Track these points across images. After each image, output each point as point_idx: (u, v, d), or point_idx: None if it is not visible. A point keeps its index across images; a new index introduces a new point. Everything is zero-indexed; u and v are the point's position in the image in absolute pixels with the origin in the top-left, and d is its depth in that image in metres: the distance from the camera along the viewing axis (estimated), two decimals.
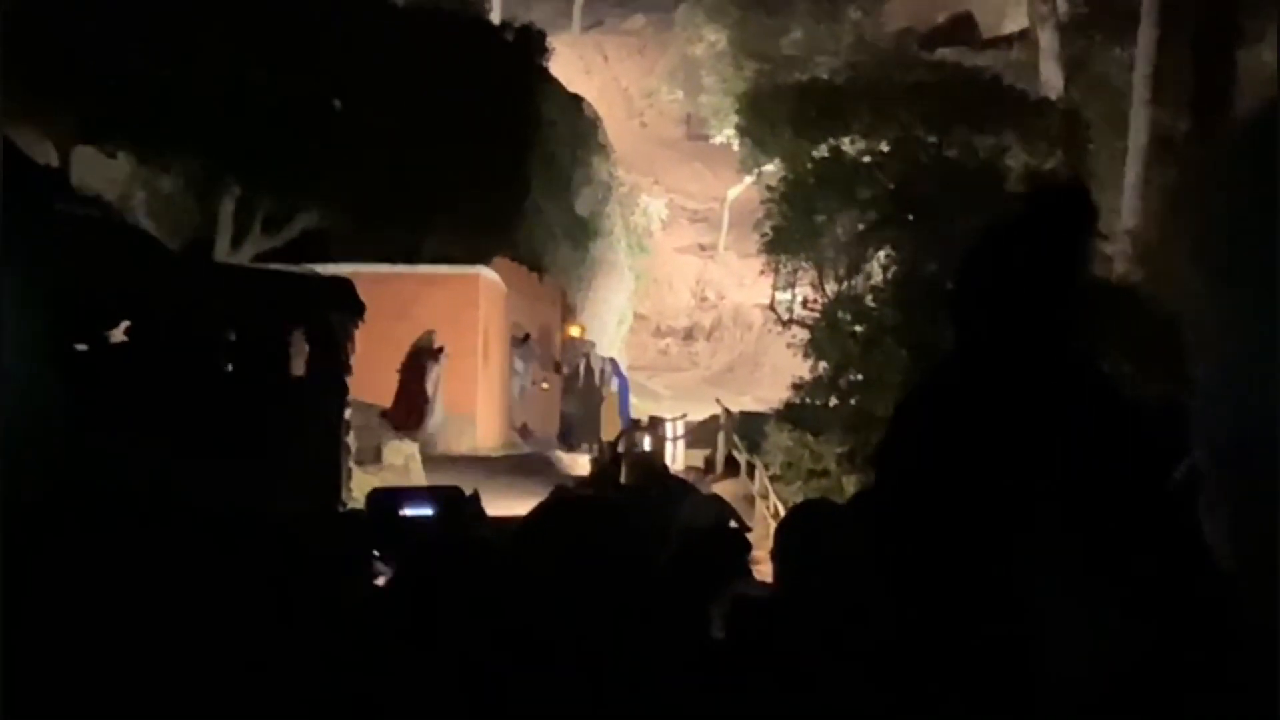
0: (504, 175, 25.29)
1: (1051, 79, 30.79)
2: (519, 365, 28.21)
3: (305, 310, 20.25)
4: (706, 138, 35.99)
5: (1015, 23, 36.71)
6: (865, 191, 25.36)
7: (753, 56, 33.44)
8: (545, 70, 27.24)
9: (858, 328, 24.69)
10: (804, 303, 26.85)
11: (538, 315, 28.15)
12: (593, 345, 29.06)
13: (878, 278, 25.46)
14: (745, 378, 31.40)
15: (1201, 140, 29.50)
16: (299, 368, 20.19)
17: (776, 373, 32.61)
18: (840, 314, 25.38)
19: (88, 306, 19.60)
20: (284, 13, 24.49)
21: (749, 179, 34.47)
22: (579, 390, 28.00)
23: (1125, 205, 28.34)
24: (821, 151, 26.65)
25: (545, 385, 27.83)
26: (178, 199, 26.47)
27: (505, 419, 27.33)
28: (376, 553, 8.32)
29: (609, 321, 30.34)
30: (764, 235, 26.59)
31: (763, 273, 27.69)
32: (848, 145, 27.15)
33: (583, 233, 29.03)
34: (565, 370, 28.04)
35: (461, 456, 25.23)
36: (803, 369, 26.74)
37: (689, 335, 35.29)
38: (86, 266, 19.51)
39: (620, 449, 23.76)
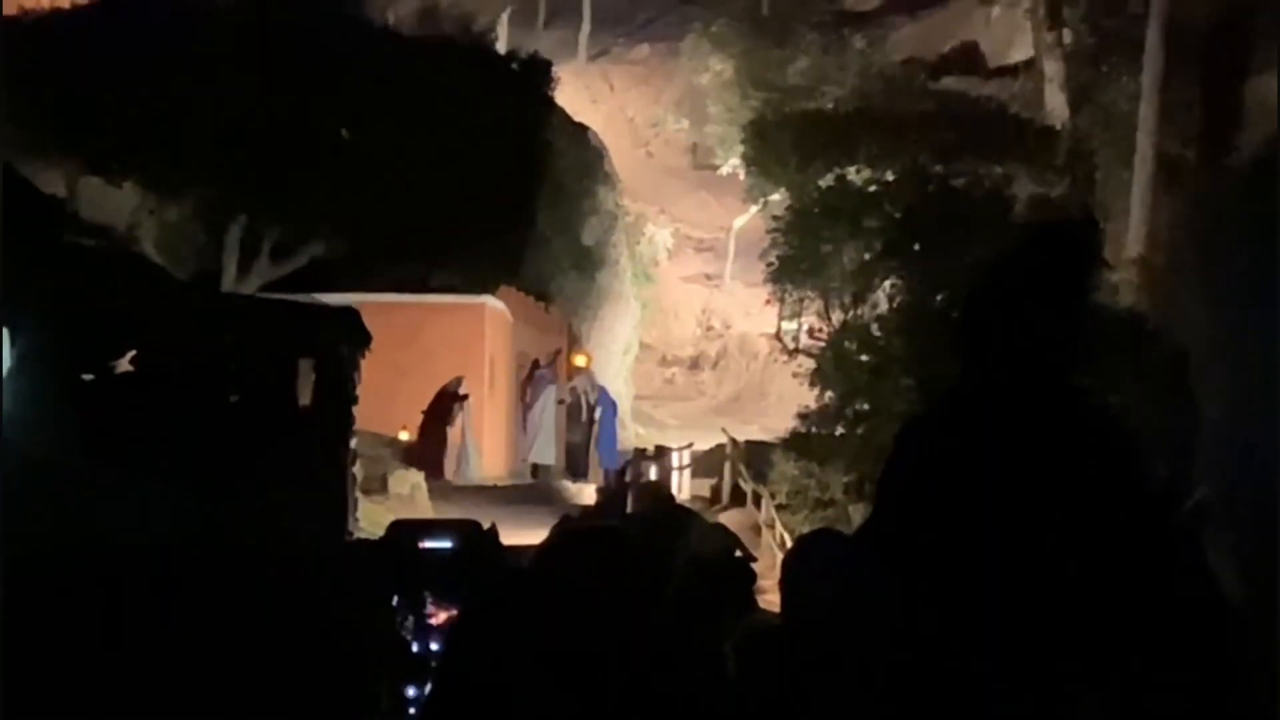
0: (511, 205, 25.49)
1: (1057, 108, 30.98)
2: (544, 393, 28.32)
3: (311, 340, 20.40)
4: (713, 167, 36.12)
5: (1021, 52, 36.87)
6: (872, 221, 25.57)
7: (759, 85, 33.58)
8: (551, 100, 27.40)
9: (864, 357, 24.83)
10: (810, 332, 27.02)
11: (545, 344, 28.32)
12: (585, 372, 29.25)
13: (884, 307, 25.60)
14: (751, 407, 31.54)
15: (1208, 170, 29.68)
16: (305, 397, 20.33)
17: (783, 402, 32.67)
18: (846, 344, 25.54)
19: (94, 336, 19.81)
20: (292, 43, 24.76)
21: (755, 208, 34.63)
22: (579, 420, 28.18)
23: (1131, 233, 28.53)
24: (828, 180, 26.80)
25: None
26: (185, 228, 26.65)
27: (511, 449, 27.42)
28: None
29: (615, 351, 30.51)
30: (770, 264, 26.75)
31: (768, 302, 27.84)
32: (854, 175, 27.39)
33: (589, 262, 29.19)
34: (567, 400, 28.15)
35: (467, 486, 25.36)
36: (809, 398, 26.86)
37: (695, 365, 35.33)
38: (93, 297, 19.67)
39: (627, 478, 23.91)
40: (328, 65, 24.62)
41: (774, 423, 30.20)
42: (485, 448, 26.35)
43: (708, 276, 35.13)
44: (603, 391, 28.55)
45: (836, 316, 26.17)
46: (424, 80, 25.02)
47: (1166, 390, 21.01)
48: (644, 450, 26.74)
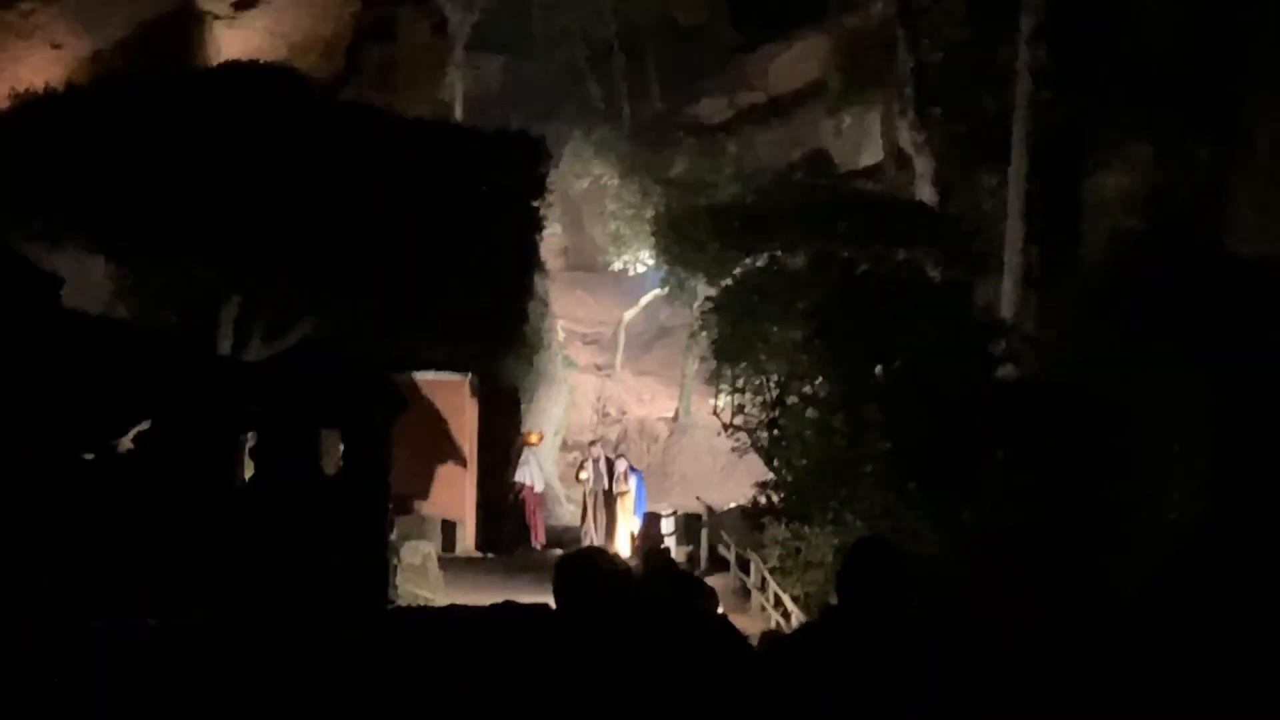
0: (481, 286, 26.42)
1: (928, 201, 33.17)
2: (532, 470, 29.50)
3: (339, 406, 20.66)
4: (586, 268, 37.89)
5: (871, 156, 39.48)
6: (801, 303, 27.03)
7: (659, 183, 35.32)
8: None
9: (807, 432, 26.09)
10: (739, 408, 28.34)
11: (501, 424, 29.42)
12: (599, 443, 30.37)
13: (818, 384, 26.88)
14: (655, 487, 33.09)
15: (1059, 258, 32.18)
16: (333, 467, 20.51)
17: (685, 481, 34.22)
18: (784, 421, 26.91)
19: (95, 411, 19.92)
20: (281, 125, 25.33)
21: (645, 300, 36.46)
22: (600, 490, 29.15)
23: (1005, 303, 30.44)
24: (759, 263, 28.47)
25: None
26: (164, 312, 26.86)
27: (485, 522, 28.55)
28: None
29: (549, 431, 31.69)
30: (708, 347, 28.21)
31: (697, 386, 29.22)
32: (764, 262, 29.15)
33: (528, 345, 30.20)
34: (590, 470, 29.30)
35: (461, 558, 26.34)
36: (711, 475, 28.47)
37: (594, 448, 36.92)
38: (93, 368, 19.88)
39: (639, 542, 24.94)
40: (321, 147, 25.26)
41: (679, 500, 31.72)
42: (468, 522, 27.35)
43: (598, 366, 36.75)
44: (627, 461, 29.98)
45: (770, 394, 27.57)
46: (406, 164, 25.91)
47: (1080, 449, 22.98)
48: (656, 514, 27.90)
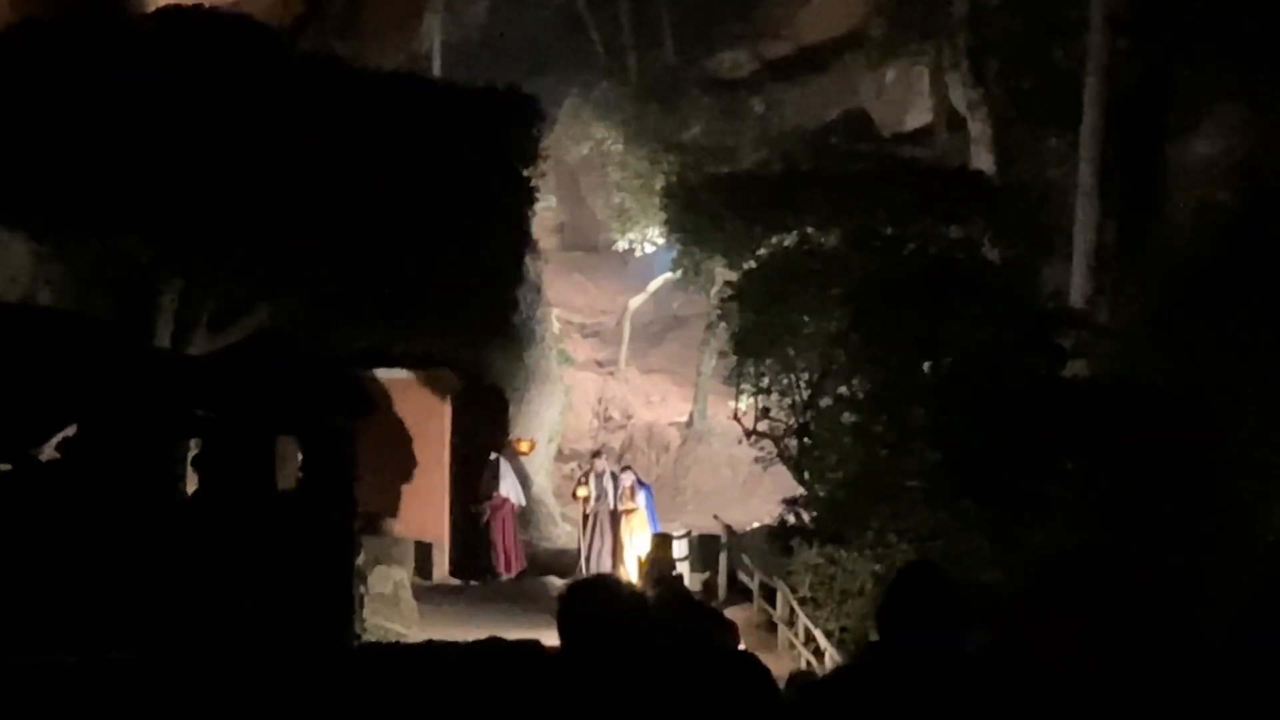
0: (464, 269, 26.50)
1: (985, 169, 33.23)
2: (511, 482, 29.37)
3: (296, 409, 20.59)
4: (588, 248, 37.99)
5: (918, 118, 39.55)
6: (837, 287, 27.08)
7: (669, 149, 35.43)
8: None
9: (846, 440, 26.03)
10: (764, 411, 28.37)
11: (485, 430, 29.45)
12: (602, 454, 30.37)
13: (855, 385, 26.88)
14: (667, 503, 33.13)
15: (1138, 235, 32.25)
16: (289, 480, 20.46)
17: (700, 496, 34.30)
18: (816, 427, 26.95)
19: (12, 414, 19.87)
20: (229, 80, 25.28)
21: (653, 286, 36.56)
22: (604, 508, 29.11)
23: (1075, 288, 30.50)
24: (788, 241, 28.50)
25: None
26: (101, 293, 26.92)
27: (465, 543, 28.58)
28: None
29: (541, 438, 31.79)
30: (728, 340, 28.32)
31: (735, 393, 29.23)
32: (793, 240, 29.20)
33: (516, 338, 30.30)
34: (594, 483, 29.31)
35: (438, 586, 26.38)
36: (727, 488, 28.51)
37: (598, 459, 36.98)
38: (10, 363, 19.87)
39: (648, 568, 24.87)
40: (278, 108, 25.42)
41: (693, 519, 31.70)
42: (447, 543, 27.45)
43: (600, 363, 36.89)
44: (634, 474, 29.99)
45: (799, 395, 27.67)
46: (373, 132, 26.03)
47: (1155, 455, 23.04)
48: (667, 535, 27.86)
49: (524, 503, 29.89)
